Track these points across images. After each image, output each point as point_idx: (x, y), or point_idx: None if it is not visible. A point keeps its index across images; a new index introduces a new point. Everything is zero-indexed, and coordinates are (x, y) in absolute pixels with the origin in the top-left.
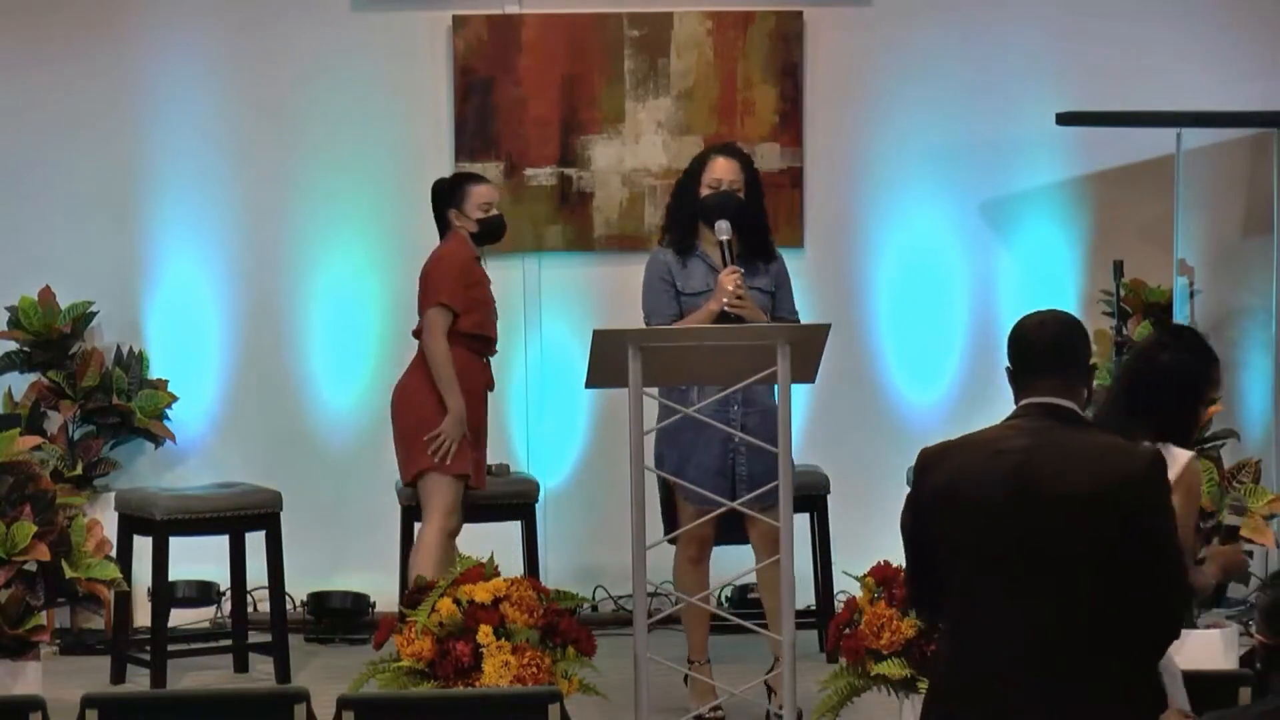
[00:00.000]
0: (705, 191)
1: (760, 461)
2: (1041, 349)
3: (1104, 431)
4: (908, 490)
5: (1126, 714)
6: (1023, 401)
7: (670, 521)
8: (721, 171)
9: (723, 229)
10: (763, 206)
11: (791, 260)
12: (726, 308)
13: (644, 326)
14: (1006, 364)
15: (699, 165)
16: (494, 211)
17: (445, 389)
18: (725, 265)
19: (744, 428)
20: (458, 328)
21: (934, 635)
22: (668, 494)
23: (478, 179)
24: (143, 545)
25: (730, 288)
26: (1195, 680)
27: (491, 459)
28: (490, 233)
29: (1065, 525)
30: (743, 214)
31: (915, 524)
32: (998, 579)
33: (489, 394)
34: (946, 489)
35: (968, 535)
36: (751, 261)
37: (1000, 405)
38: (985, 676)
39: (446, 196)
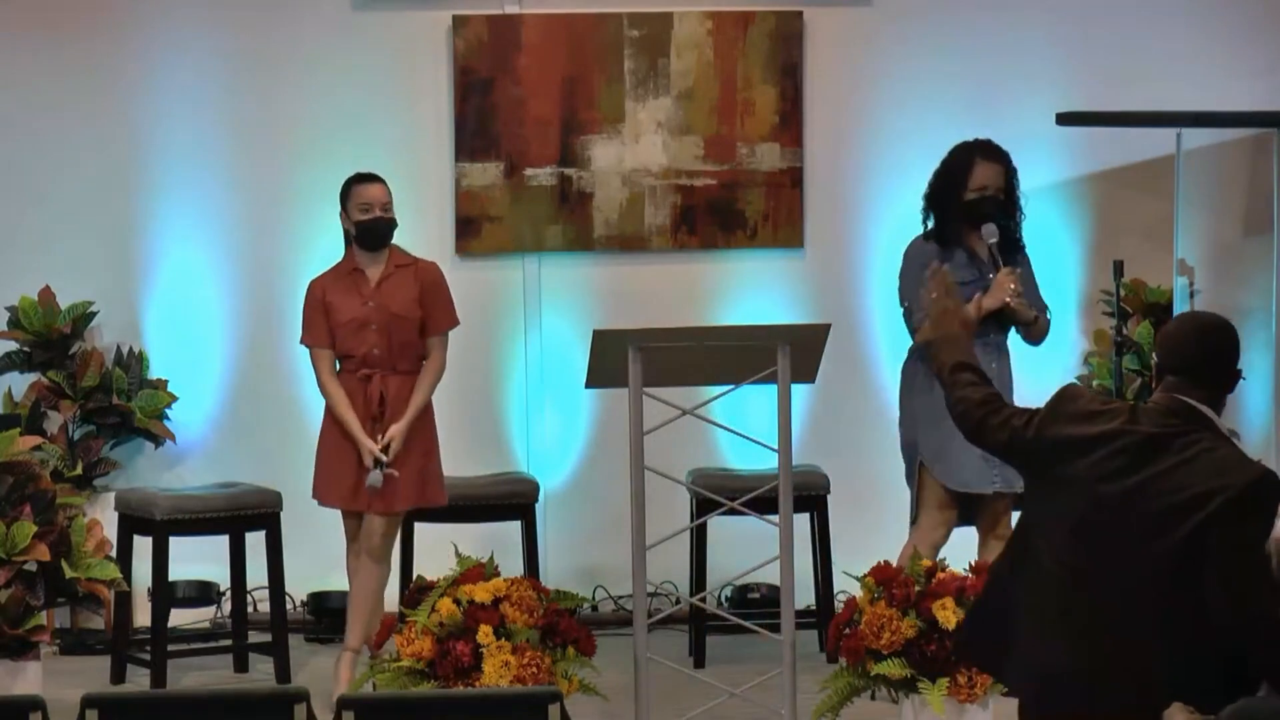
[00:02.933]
0: (970, 195)
1: None
2: (1200, 357)
3: (1231, 445)
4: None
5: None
6: (1171, 394)
7: (915, 506)
8: (986, 178)
9: (990, 232)
10: (1018, 203)
11: (791, 260)
12: (1010, 303)
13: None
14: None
15: (963, 167)
16: (376, 213)
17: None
18: (994, 264)
19: None
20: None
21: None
22: (915, 477)
23: (365, 178)
24: (143, 545)
25: (1011, 286)
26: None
27: (493, 460)
28: (368, 237)
29: (1150, 518)
30: (1003, 214)
31: (1030, 433)
32: (1075, 543)
33: (373, 408)
34: (1060, 442)
35: (1060, 490)
36: (1011, 256)
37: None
38: (1024, 624)
39: (341, 198)
